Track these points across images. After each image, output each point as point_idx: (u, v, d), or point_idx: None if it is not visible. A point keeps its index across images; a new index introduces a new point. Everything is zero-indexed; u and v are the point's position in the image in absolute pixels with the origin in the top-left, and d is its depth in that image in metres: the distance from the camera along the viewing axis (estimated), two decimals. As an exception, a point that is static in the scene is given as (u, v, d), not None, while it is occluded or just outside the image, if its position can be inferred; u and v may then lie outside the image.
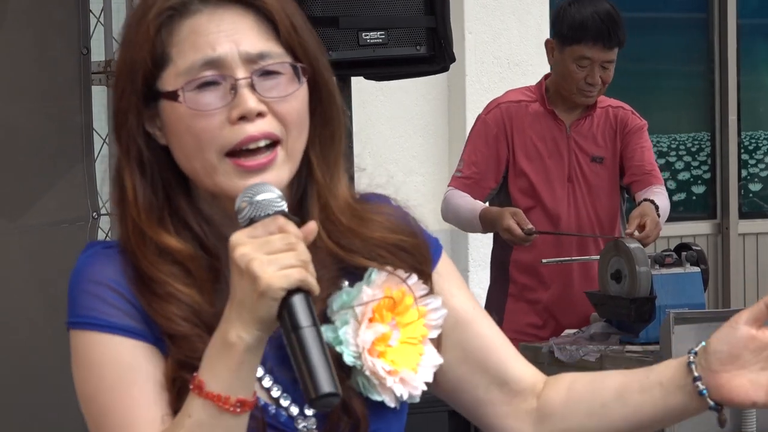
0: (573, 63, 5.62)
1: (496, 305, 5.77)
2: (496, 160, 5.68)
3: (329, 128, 2.05)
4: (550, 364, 5.34)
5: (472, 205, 5.61)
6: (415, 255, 2.08)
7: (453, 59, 4.72)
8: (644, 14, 6.38)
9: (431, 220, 7.44)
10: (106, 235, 4.55)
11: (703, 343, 2.05)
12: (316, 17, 4.41)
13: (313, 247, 1.93)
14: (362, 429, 2.03)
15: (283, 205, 1.89)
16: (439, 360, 2.06)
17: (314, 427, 2.01)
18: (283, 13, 2.00)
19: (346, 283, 2.04)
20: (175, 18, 1.97)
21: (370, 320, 2.02)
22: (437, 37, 4.61)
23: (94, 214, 4.35)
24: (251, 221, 1.88)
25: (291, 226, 1.87)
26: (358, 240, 2.05)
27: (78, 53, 4.29)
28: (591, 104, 5.74)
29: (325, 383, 1.83)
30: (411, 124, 7.15)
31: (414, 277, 2.05)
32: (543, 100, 5.73)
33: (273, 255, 1.84)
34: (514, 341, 6.00)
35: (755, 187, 8.22)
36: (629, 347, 5.29)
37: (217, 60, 1.95)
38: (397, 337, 2.04)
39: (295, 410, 2.00)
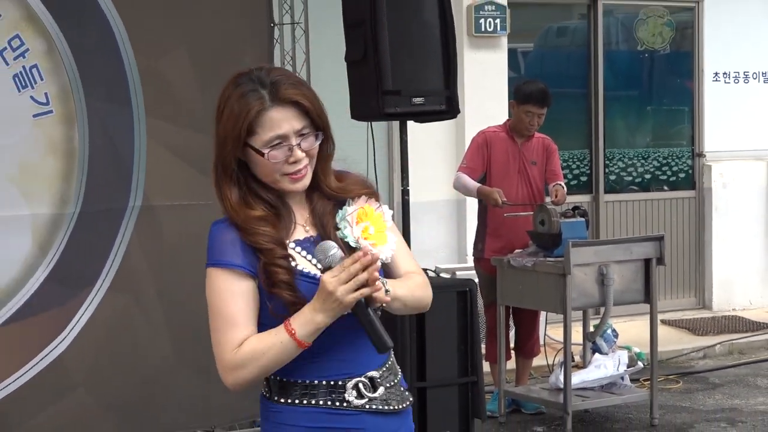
0: (523, 114, 5.62)
1: (481, 239, 5.72)
2: (483, 160, 5.64)
3: (327, 153, 2.04)
4: (508, 268, 5.35)
5: (473, 183, 5.57)
6: (370, 191, 2.09)
7: (459, 112, 4.69)
8: (554, 89, 6.33)
9: (448, 194, 7.10)
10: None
11: None
12: (389, 90, 4.40)
13: (319, 196, 2.02)
14: None
15: (340, 255, 1.89)
16: (395, 238, 2.07)
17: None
18: (312, 106, 1.96)
19: (339, 210, 2.04)
20: (262, 113, 1.93)
21: (357, 222, 2.02)
22: (451, 101, 4.57)
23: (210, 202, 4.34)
24: (329, 268, 1.88)
25: (351, 264, 1.86)
26: (341, 190, 2.07)
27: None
28: (532, 134, 5.74)
29: (388, 340, 1.89)
30: (436, 145, 7.07)
31: (372, 200, 2.07)
32: (507, 132, 5.73)
33: (346, 287, 1.85)
34: (492, 256, 5.76)
35: (612, 177, 8.17)
36: (549, 259, 5.25)
37: (284, 135, 1.95)
38: (373, 230, 2.04)
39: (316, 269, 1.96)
